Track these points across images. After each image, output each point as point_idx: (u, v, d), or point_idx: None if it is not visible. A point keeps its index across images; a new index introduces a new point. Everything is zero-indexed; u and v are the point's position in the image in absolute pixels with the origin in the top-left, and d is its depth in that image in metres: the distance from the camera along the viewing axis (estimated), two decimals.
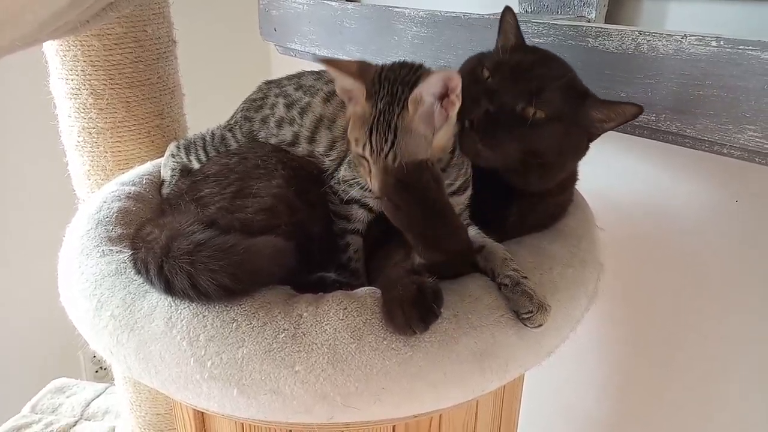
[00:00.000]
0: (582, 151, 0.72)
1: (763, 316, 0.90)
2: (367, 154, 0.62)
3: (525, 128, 0.65)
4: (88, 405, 1.44)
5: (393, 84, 0.61)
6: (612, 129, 0.69)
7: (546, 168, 0.69)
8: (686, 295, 0.99)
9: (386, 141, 0.60)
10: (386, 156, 0.60)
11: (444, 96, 0.60)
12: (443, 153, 0.65)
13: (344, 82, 0.63)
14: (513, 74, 0.68)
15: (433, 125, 0.61)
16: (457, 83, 0.59)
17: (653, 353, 1.07)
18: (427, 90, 0.59)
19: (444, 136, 0.63)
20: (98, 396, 1.47)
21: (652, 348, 1.07)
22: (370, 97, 0.61)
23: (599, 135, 0.70)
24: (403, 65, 0.64)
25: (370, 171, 0.63)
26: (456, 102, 0.61)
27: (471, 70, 0.73)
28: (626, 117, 0.67)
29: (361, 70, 0.63)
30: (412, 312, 0.55)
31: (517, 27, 0.75)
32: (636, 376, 1.11)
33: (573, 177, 0.79)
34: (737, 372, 0.95)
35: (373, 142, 0.61)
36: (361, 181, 0.68)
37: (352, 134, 0.63)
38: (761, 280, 0.89)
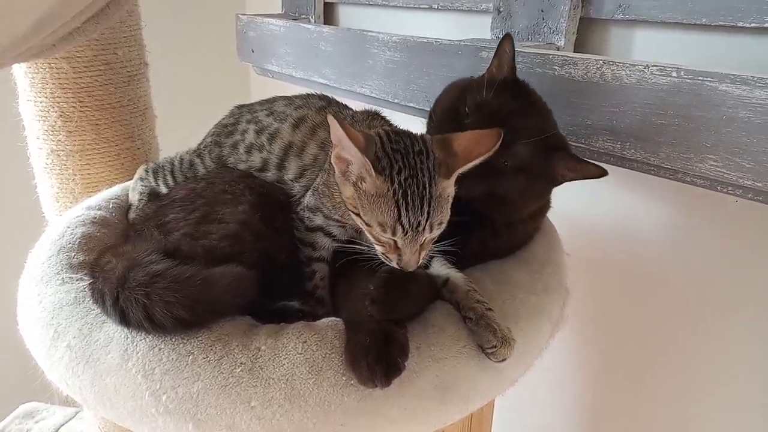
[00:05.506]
0: (543, 197, 0.76)
1: (733, 334, 0.91)
2: (399, 236, 0.57)
3: (491, 173, 0.67)
4: (57, 431, 1.40)
5: (405, 156, 0.57)
6: (572, 180, 0.71)
7: (506, 208, 0.72)
8: (656, 316, 1.00)
9: (422, 213, 0.56)
10: (423, 229, 0.57)
11: None
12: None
13: (347, 150, 0.57)
14: (489, 121, 0.68)
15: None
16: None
17: (625, 373, 1.07)
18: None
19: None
20: (68, 421, 1.43)
21: (624, 368, 1.07)
22: (380, 173, 0.56)
23: (561, 183, 0.73)
24: (396, 134, 0.60)
25: (395, 248, 0.58)
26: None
27: (453, 105, 0.74)
28: (590, 175, 0.69)
29: (366, 142, 0.57)
30: (377, 367, 0.54)
31: (513, 59, 0.73)
32: (608, 395, 1.11)
33: (544, 207, 0.80)
34: (709, 390, 0.95)
35: (404, 221, 0.56)
36: (328, 212, 0.68)
37: (370, 217, 0.58)
38: (728, 302, 0.90)
